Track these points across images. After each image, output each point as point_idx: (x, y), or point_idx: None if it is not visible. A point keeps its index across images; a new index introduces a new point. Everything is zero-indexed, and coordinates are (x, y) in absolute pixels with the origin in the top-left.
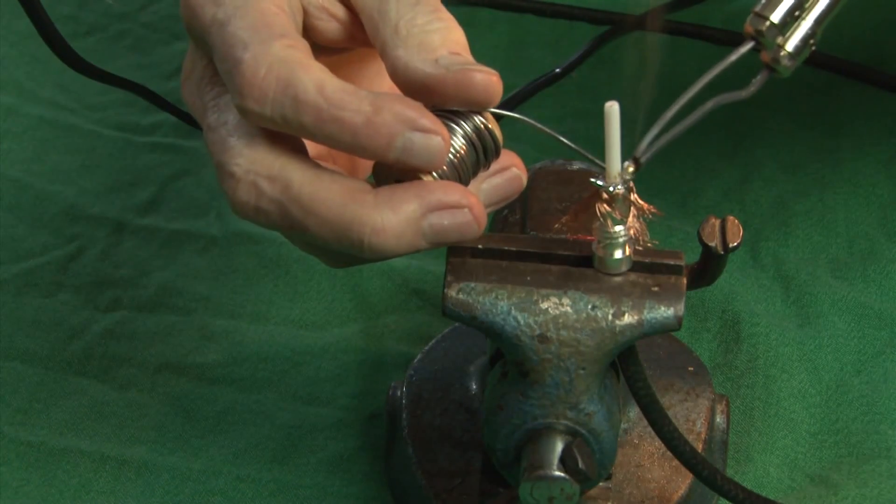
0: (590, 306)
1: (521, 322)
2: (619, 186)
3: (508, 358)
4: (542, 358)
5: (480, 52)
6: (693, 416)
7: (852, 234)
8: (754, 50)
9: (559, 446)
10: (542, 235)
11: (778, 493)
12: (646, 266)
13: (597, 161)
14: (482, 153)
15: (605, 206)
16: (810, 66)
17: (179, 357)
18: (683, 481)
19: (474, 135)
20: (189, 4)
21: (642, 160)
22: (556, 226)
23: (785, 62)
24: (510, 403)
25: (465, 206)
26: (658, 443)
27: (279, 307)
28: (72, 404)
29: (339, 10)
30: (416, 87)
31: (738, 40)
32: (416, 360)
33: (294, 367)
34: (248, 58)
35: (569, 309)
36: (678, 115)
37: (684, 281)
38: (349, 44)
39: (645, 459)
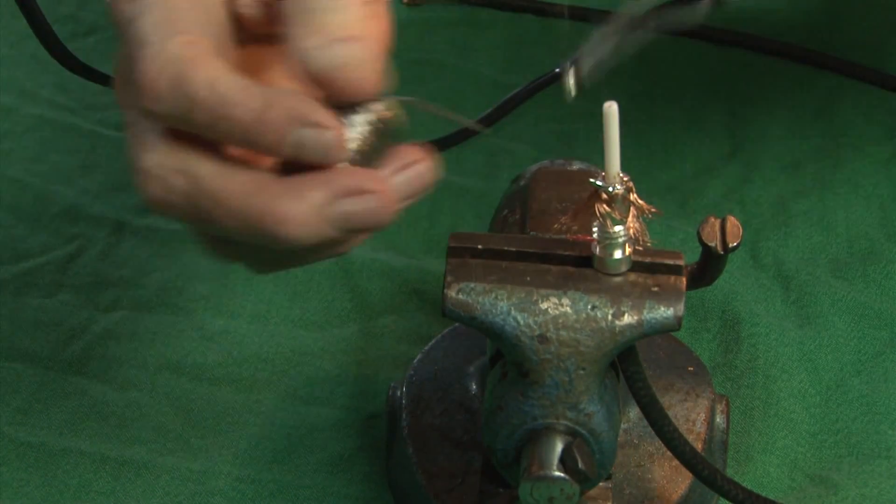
0: (589, 306)
1: (521, 322)
2: (619, 187)
3: (508, 358)
4: (542, 358)
5: (481, 51)
6: (693, 415)
7: (852, 233)
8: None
9: (559, 446)
10: (541, 235)
11: (778, 493)
12: (645, 266)
13: (467, 122)
14: (387, 139)
15: (604, 206)
16: (812, 67)
17: (179, 357)
18: (683, 481)
19: (377, 121)
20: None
21: (585, 83)
22: (556, 226)
23: None
24: (510, 404)
25: (373, 191)
26: (658, 443)
27: (279, 307)
28: (72, 404)
29: None
30: (307, 79)
31: (738, 41)
32: (415, 361)
33: (294, 367)
34: (143, 57)
35: (568, 309)
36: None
37: (684, 281)
38: (269, 27)
39: (645, 459)
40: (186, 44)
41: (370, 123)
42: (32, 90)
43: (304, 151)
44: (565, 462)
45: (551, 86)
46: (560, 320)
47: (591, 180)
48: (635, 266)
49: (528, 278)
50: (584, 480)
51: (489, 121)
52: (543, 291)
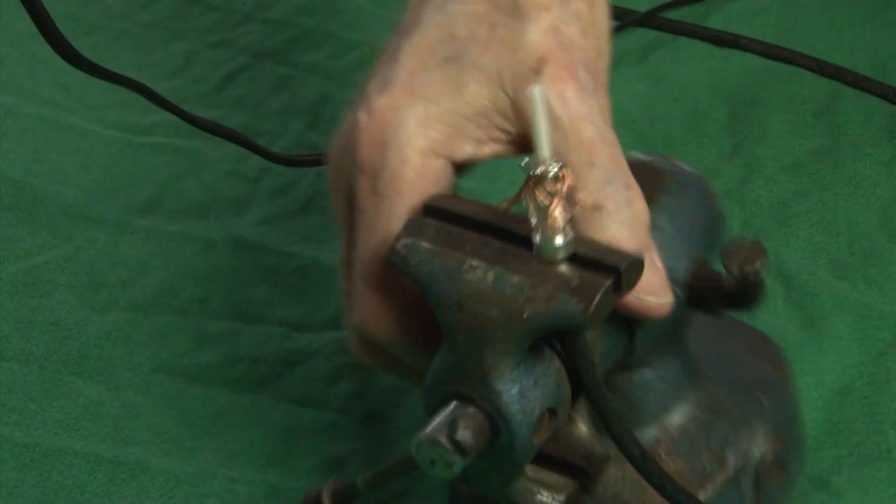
0: (507, 286)
1: (445, 287)
2: (550, 171)
3: (438, 320)
4: (456, 326)
5: None
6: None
7: (853, 234)
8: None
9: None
10: (513, 212)
11: None
12: (584, 260)
13: None
14: None
15: (530, 191)
16: (812, 74)
17: (175, 358)
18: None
19: None
20: (330, 173)
21: None
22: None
23: None
24: (436, 365)
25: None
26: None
27: (274, 309)
28: (67, 405)
29: (500, 150)
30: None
31: (735, 41)
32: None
33: (288, 368)
34: (347, 287)
35: (488, 284)
36: None
37: (608, 281)
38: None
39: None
40: (375, 304)
41: None
42: (32, 90)
43: None
44: (450, 430)
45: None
46: (478, 293)
47: (521, 165)
48: (574, 258)
49: (468, 247)
50: (463, 453)
51: None
52: (474, 262)
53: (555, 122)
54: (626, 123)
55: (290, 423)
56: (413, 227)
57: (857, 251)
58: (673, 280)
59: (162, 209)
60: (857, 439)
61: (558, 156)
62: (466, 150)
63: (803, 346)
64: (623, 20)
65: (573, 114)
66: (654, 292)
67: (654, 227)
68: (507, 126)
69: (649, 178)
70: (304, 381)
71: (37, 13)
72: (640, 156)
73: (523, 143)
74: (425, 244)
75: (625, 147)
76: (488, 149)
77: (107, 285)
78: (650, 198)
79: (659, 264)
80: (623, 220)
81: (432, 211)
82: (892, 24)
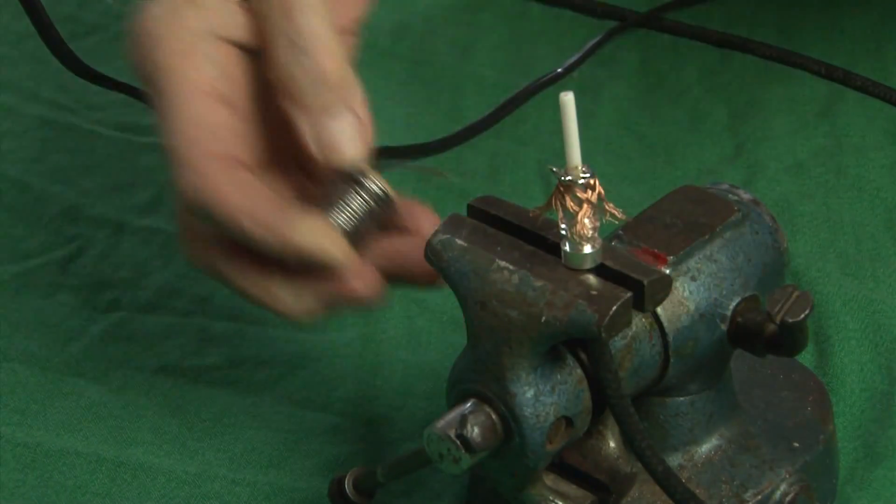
0: (530, 289)
1: (472, 286)
2: (580, 178)
3: (464, 318)
4: (479, 324)
5: (481, 52)
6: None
7: (859, 234)
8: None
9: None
10: (551, 219)
11: None
12: (612, 272)
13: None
14: (376, 209)
15: (560, 199)
16: (813, 76)
17: (177, 359)
18: None
19: (366, 196)
20: (135, 74)
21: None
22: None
23: None
24: (458, 361)
25: (365, 298)
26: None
27: None
28: (69, 405)
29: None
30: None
31: (739, 43)
32: None
33: (291, 370)
34: (175, 175)
35: (513, 286)
36: None
37: (627, 294)
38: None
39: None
40: (213, 164)
41: (364, 198)
42: (32, 90)
43: (317, 266)
44: (459, 426)
45: (551, 85)
46: (501, 294)
47: (553, 170)
48: (601, 269)
49: (500, 249)
50: (470, 450)
51: (490, 122)
52: (502, 264)
53: None
54: (627, 125)
55: (291, 425)
56: (451, 224)
57: (864, 250)
58: (720, 315)
59: (162, 209)
60: (872, 439)
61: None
62: (231, 35)
63: (813, 346)
64: (623, 21)
65: None
66: (349, 139)
67: (711, 260)
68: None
69: (715, 210)
70: (306, 384)
71: (37, 17)
72: (709, 186)
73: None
74: (459, 241)
75: (627, 148)
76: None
77: (108, 286)
78: (714, 231)
79: (360, 112)
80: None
81: (473, 211)
82: (894, 25)
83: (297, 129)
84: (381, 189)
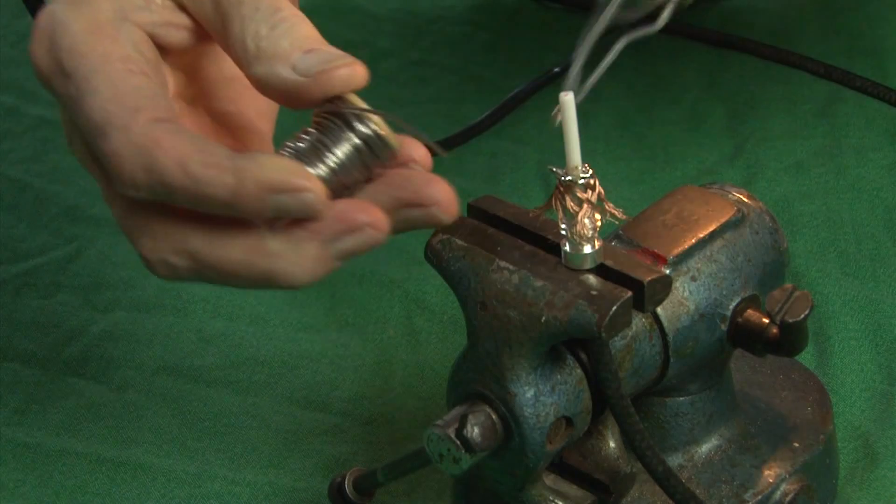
0: (530, 290)
1: (472, 286)
2: (580, 179)
3: (465, 318)
4: (479, 324)
5: (481, 52)
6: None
7: (859, 234)
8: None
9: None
10: (550, 219)
11: None
12: (612, 272)
13: (428, 141)
14: (370, 154)
15: (560, 198)
16: (811, 76)
17: (177, 359)
18: None
19: (358, 139)
20: (40, 74)
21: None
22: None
23: None
24: (458, 363)
25: (365, 225)
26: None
27: (277, 310)
28: (69, 405)
29: (184, 19)
30: (284, 99)
31: (737, 43)
32: None
33: (291, 370)
34: (110, 150)
35: (513, 286)
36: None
37: (627, 294)
38: (204, 43)
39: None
40: (148, 122)
41: (357, 137)
42: (32, 90)
43: (288, 214)
44: (459, 426)
45: (551, 85)
46: (501, 294)
47: (554, 170)
48: (602, 269)
49: (500, 249)
50: (470, 450)
51: (490, 122)
52: (502, 263)
53: None
54: (625, 126)
55: (291, 425)
56: (451, 224)
57: (865, 249)
58: (720, 315)
59: None
60: (872, 439)
61: (216, 8)
62: (140, 17)
63: (813, 346)
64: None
65: None
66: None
67: (711, 260)
68: (180, 19)
69: (715, 211)
70: (306, 384)
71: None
72: (711, 186)
73: (202, 34)
74: (459, 241)
75: (625, 148)
76: (166, 15)
77: (108, 285)
78: (714, 231)
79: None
80: (283, 33)
81: (473, 211)
82: (891, 25)
83: (273, 78)
84: (376, 130)
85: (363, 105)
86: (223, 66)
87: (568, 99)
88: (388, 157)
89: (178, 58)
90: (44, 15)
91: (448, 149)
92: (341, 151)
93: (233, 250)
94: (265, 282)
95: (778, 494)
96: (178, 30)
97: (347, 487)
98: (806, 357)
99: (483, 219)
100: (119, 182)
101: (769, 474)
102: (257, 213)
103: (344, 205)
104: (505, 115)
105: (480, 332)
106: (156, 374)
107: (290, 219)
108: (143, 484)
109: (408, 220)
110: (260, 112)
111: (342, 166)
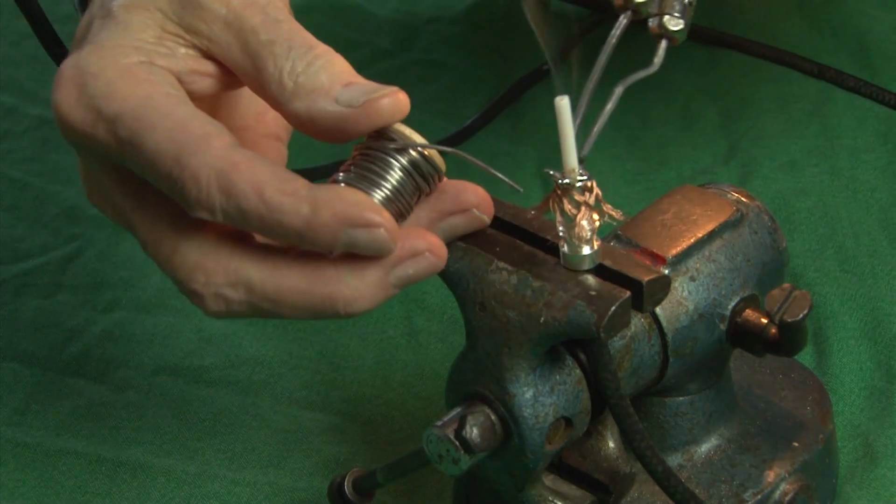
0: (528, 290)
1: (470, 286)
2: (577, 181)
3: (463, 319)
4: (478, 325)
5: (481, 51)
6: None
7: (857, 231)
8: (639, 22)
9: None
10: (547, 220)
11: None
12: (610, 272)
13: (507, 181)
14: (422, 181)
15: (557, 201)
16: (802, 75)
17: (177, 359)
18: None
19: (410, 166)
20: (72, 127)
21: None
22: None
23: (672, 27)
24: (457, 363)
25: (425, 251)
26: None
27: None
28: (69, 405)
29: (209, 67)
30: (328, 133)
31: (729, 41)
32: None
33: (291, 370)
34: (189, 174)
35: (511, 286)
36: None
37: (626, 294)
38: (229, 89)
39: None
40: (224, 147)
41: (408, 164)
42: (32, 90)
43: (357, 249)
44: (458, 427)
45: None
46: (500, 294)
47: (551, 172)
48: (600, 269)
49: (499, 249)
50: (469, 450)
51: (485, 120)
52: (501, 264)
53: (223, 22)
54: (619, 128)
55: (291, 425)
56: None
57: (862, 245)
58: (719, 315)
59: None
60: (872, 438)
61: (245, 50)
62: (167, 63)
63: (812, 345)
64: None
65: (235, 7)
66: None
67: (710, 260)
68: (191, 43)
69: (714, 210)
70: (306, 384)
71: (35, 20)
72: (710, 186)
73: (212, 54)
74: (458, 242)
75: (619, 149)
76: (190, 63)
77: (108, 286)
78: (713, 231)
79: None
80: (321, 68)
81: None
82: (876, 21)
83: (317, 112)
84: (425, 155)
85: (408, 130)
86: (236, 117)
87: (564, 103)
88: (437, 182)
89: (197, 106)
90: (67, 66)
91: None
92: (395, 180)
93: (292, 278)
94: (325, 310)
95: (777, 494)
96: (202, 77)
97: (347, 488)
98: (805, 356)
99: None
100: (195, 205)
101: (769, 474)
102: (329, 246)
103: (402, 232)
104: (499, 112)
105: (479, 332)
106: (156, 374)
107: None
108: (143, 484)
109: (452, 227)
110: (274, 159)
111: (397, 194)
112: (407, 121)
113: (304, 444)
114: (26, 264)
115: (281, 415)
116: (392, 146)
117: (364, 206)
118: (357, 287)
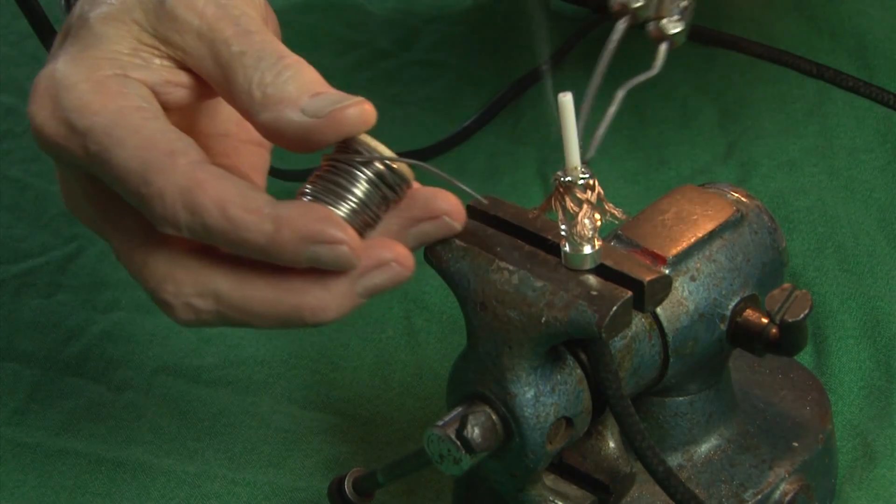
0: (529, 290)
1: (471, 286)
2: (579, 179)
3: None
4: (479, 325)
5: (481, 51)
6: (749, 483)
7: (855, 230)
8: (638, 27)
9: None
10: (548, 219)
11: None
12: (612, 272)
13: (472, 192)
14: (388, 191)
15: (559, 199)
16: (801, 74)
17: (176, 359)
18: None
19: (376, 177)
20: (46, 139)
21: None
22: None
23: (671, 30)
24: (458, 364)
25: (391, 261)
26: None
27: None
28: (69, 405)
29: (184, 78)
30: (295, 143)
31: (728, 41)
32: None
33: (290, 370)
34: (154, 192)
35: (513, 286)
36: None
37: (628, 294)
38: (204, 99)
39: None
40: (190, 164)
41: (375, 176)
42: None
43: (320, 264)
44: (459, 427)
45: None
46: (501, 294)
47: (558, 173)
48: (601, 269)
49: (500, 249)
50: (470, 450)
51: (485, 120)
52: (502, 264)
53: (196, 33)
54: (617, 129)
55: (291, 425)
56: None
57: (861, 244)
58: (719, 315)
59: None
60: (871, 437)
61: (217, 61)
62: (141, 75)
63: (811, 345)
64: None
65: (208, 18)
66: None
67: (710, 260)
68: (165, 54)
69: (714, 210)
70: (306, 384)
71: (36, 19)
72: (710, 186)
73: (186, 65)
74: (459, 242)
75: (618, 148)
76: (165, 74)
77: (108, 286)
78: (713, 231)
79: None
80: (289, 79)
81: (473, 211)
82: (874, 21)
83: (283, 122)
84: (391, 166)
85: (374, 142)
86: (217, 123)
87: (567, 99)
88: (405, 190)
89: (175, 115)
90: (43, 77)
91: (447, 150)
92: (360, 191)
93: (259, 289)
94: (292, 320)
95: (777, 494)
96: (177, 88)
97: (347, 488)
98: (804, 356)
99: (482, 219)
100: (161, 221)
101: (768, 474)
102: (292, 262)
103: (369, 242)
104: (498, 111)
105: (480, 332)
106: (155, 374)
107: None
108: (143, 484)
109: (423, 234)
110: (253, 166)
111: (364, 205)
112: (407, 120)
113: (303, 444)
114: (26, 264)
115: (281, 415)
116: (358, 159)
117: (327, 222)
118: (323, 297)
